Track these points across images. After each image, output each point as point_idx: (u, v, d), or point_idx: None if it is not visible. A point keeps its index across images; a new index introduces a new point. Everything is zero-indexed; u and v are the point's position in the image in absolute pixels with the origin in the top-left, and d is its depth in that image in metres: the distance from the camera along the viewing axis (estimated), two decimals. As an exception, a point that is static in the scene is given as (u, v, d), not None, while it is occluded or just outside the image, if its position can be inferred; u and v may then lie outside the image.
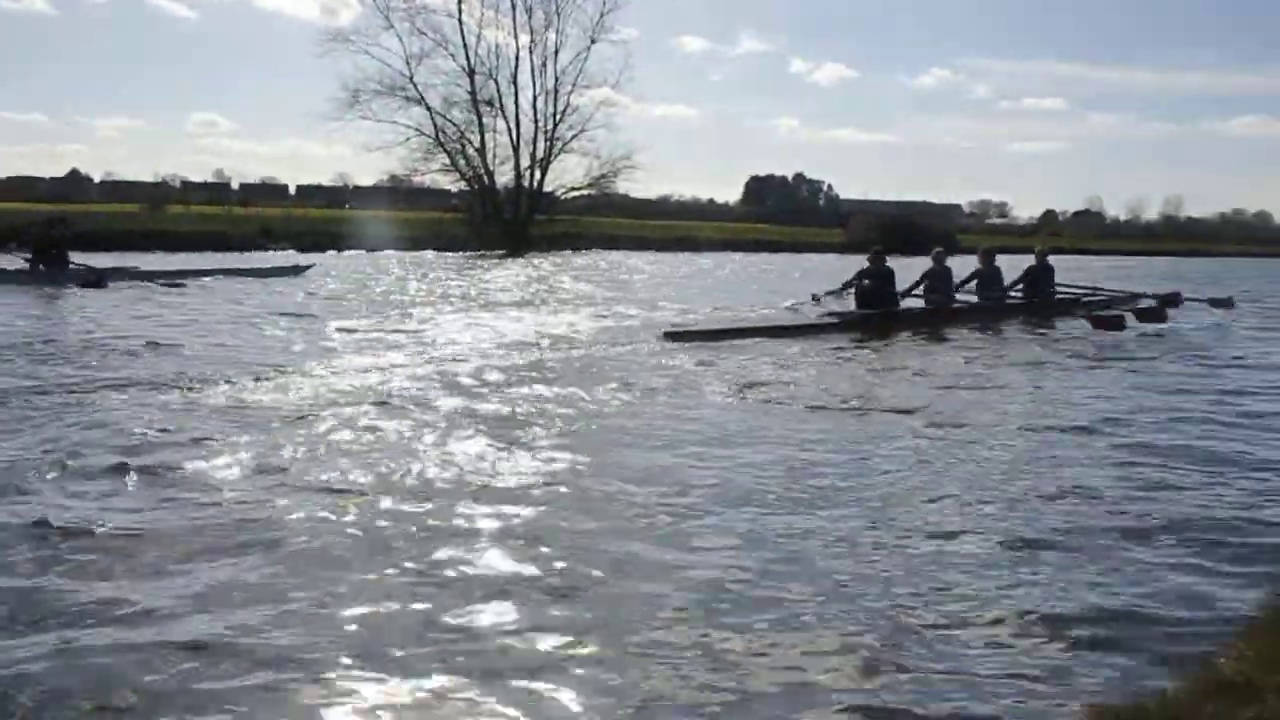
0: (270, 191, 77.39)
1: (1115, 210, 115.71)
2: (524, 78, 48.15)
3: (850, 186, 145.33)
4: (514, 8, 47.43)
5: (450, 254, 37.66)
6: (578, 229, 45.71)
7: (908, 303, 14.03)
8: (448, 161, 47.17)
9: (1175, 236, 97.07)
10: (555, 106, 47.69)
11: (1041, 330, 13.88)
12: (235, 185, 77.98)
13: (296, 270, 23.03)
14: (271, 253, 33.00)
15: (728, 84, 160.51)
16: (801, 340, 11.84)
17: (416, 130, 45.72)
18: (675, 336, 11.67)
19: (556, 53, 47.92)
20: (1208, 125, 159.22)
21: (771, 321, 13.30)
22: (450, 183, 49.15)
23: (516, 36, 47.80)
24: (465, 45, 46.24)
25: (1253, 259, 63.47)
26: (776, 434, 6.68)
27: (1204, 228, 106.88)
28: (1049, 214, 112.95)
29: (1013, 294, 15.17)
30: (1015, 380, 9.44)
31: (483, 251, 39.20)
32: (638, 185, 52.08)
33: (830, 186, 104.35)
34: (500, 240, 42.94)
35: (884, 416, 7.47)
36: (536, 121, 47.80)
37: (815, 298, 14.33)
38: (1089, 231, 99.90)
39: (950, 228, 72.57)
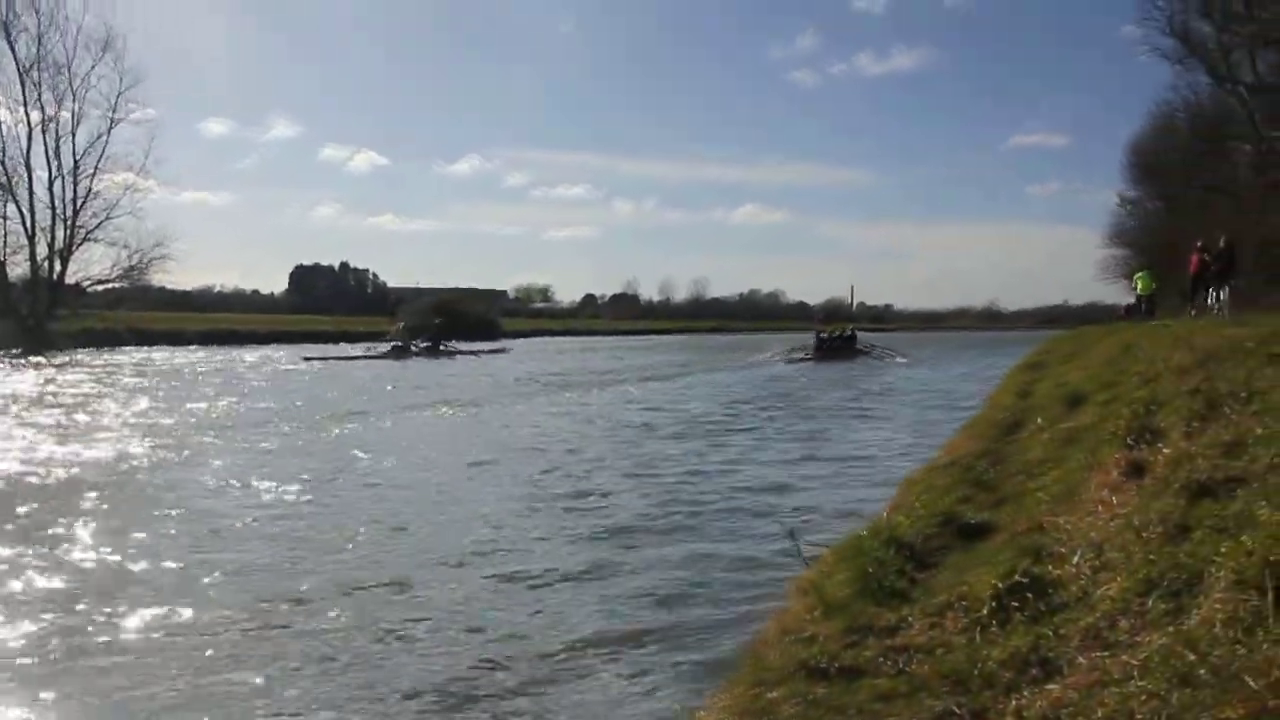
0: None
1: (649, 292, 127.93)
2: (38, 159, 45.47)
3: (397, 274, 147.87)
4: (22, 83, 44.87)
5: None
6: (105, 324, 43.48)
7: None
8: (-52, 249, 43.27)
9: (704, 315, 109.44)
10: (75, 191, 45.54)
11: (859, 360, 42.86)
12: None
13: (505, 351, 42.15)
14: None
15: (260, 170, 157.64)
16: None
17: (-91, 212, 41.59)
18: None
19: (73, 133, 45.83)
20: (719, 214, 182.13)
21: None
22: (-46, 273, 44.76)
23: (27, 113, 45.14)
24: (-34, 121, 43.06)
25: (771, 334, 72.54)
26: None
27: (726, 306, 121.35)
28: (589, 297, 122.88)
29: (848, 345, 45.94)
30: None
31: (-9, 351, 36.16)
32: (173, 277, 50.71)
33: (376, 275, 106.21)
34: (14, 338, 39.80)
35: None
36: (54, 208, 45.23)
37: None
38: (626, 313, 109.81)
39: (497, 312, 76.94)
